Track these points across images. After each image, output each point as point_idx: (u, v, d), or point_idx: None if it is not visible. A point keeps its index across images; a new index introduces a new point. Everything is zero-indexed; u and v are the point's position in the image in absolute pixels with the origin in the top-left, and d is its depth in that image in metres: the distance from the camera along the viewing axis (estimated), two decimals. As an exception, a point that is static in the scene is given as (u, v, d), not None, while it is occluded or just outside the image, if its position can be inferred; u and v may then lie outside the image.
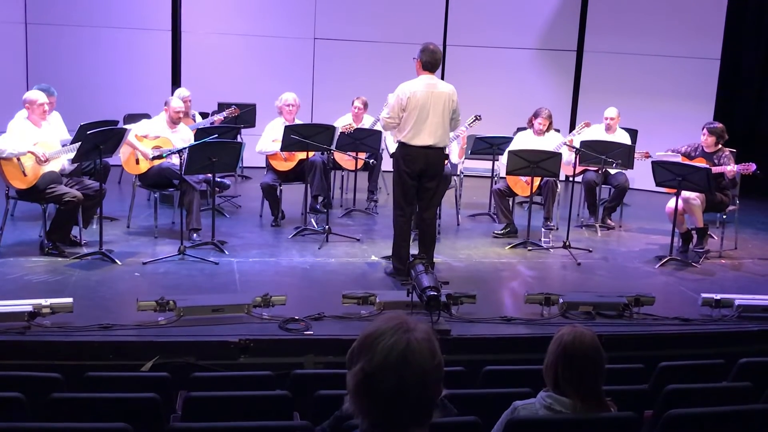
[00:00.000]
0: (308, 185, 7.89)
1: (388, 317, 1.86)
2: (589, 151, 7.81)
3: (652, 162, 7.43)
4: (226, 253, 6.89)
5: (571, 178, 8.59)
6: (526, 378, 3.88)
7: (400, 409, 1.78)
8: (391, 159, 6.66)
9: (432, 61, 6.28)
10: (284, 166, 8.08)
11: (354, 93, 9.09)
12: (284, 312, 5.41)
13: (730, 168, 7.36)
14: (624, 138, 8.71)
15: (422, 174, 6.33)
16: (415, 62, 6.34)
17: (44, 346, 4.85)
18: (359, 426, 1.85)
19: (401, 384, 1.76)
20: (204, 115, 9.37)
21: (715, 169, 7.32)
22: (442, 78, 10.61)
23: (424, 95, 6.22)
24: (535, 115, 8.34)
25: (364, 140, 8.28)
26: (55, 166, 6.70)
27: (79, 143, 6.48)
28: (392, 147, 7.34)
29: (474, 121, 8.16)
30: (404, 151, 6.32)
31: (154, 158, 7.25)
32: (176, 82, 10.63)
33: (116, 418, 3.22)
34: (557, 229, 8.12)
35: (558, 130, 8.97)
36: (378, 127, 8.45)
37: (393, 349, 1.77)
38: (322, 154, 8.06)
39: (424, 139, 6.24)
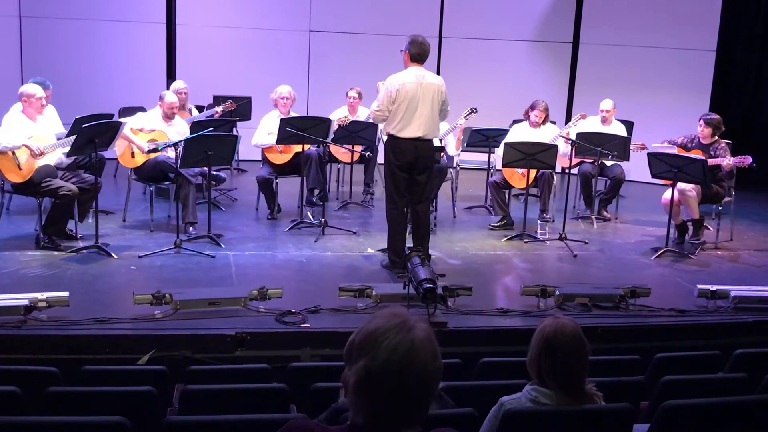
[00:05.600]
0: (304, 178, 7.88)
1: (389, 314, 1.85)
2: (585, 143, 7.82)
3: (648, 154, 7.43)
4: (223, 246, 6.89)
5: (567, 170, 8.61)
6: (522, 370, 3.88)
7: (398, 407, 1.78)
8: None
9: (420, 53, 6.27)
10: (280, 159, 8.07)
11: (350, 86, 9.07)
12: (281, 305, 5.41)
13: (727, 161, 7.36)
14: (620, 130, 8.72)
15: (412, 166, 6.32)
16: (402, 54, 6.34)
17: (41, 340, 4.84)
18: (351, 419, 1.84)
19: (403, 383, 1.76)
20: (200, 109, 9.35)
21: (711, 161, 7.32)
22: (438, 70, 10.62)
23: (413, 87, 6.21)
24: (532, 108, 8.34)
25: (360, 133, 8.27)
26: (50, 160, 6.68)
27: (75, 137, 6.46)
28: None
29: (470, 113, 8.16)
30: (393, 143, 6.31)
31: (149, 151, 7.23)
32: (171, 75, 10.60)
33: (113, 411, 3.22)
34: (553, 221, 8.13)
35: (554, 122, 8.97)
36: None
37: (397, 348, 1.76)
38: (318, 146, 8.05)
39: (413, 131, 6.23)
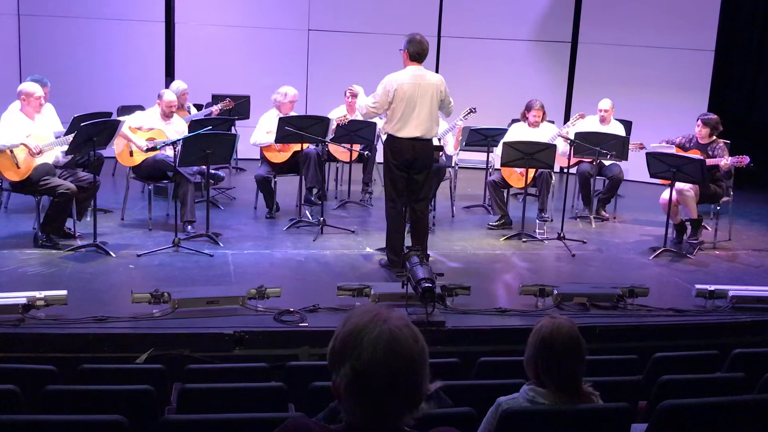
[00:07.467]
0: (303, 177, 7.89)
1: (360, 312, 1.85)
2: (584, 143, 7.82)
3: (647, 153, 7.43)
4: (221, 245, 6.88)
5: (565, 170, 8.60)
6: (521, 369, 3.89)
7: (392, 400, 1.78)
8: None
9: (419, 52, 6.26)
10: (279, 158, 8.06)
11: (348, 84, 9.06)
12: (279, 304, 5.42)
13: (725, 161, 7.36)
14: (618, 129, 8.72)
15: (410, 166, 6.32)
16: (401, 53, 6.33)
17: (39, 338, 4.84)
18: (346, 420, 1.84)
19: (392, 375, 1.75)
20: (198, 107, 9.34)
21: (709, 161, 7.33)
22: (437, 70, 10.61)
23: (411, 87, 6.21)
24: (528, 109, 8.31)
25: (359, 132, 8.27)
26: (48, 158, 6.67)
27: (73, 135, 6.46)
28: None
29: (469, 113, 8.17)
30: (392, 143, 6.31)
31: (148, 150, 7.23)
32: (170, 74, 10.60)
33: (111, 410, 3.21)
34: (552, 220, 8.12)
35: (552, 122, 8.97)
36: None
37: (378, 341, 1.76)
38: (317, 145, 8.05)
39: (411, 131, 6.23)
